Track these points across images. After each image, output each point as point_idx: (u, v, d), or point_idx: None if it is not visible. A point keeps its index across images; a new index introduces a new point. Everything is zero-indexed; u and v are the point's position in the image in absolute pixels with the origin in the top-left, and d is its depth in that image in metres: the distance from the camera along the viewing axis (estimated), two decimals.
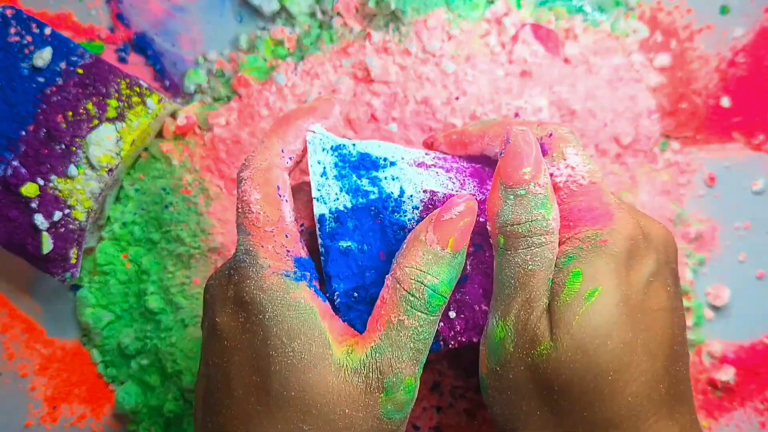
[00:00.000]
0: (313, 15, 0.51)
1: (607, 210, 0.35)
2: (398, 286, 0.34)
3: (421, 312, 0.34)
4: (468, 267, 0.37)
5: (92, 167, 0.47)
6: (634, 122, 0.49)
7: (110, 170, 0.47)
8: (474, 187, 0.38)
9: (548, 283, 0.34)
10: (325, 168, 0.36)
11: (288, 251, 0.35)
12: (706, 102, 0.50)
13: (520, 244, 0.34)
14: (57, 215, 0.46)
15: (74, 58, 0.47)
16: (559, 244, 0.35)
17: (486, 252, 0.37)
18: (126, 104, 0.47)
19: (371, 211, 0.36)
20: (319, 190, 0.36)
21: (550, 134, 0.36)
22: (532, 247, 0.34)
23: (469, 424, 0.48)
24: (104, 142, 0.47)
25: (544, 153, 0.36)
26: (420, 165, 0.38)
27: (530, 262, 0.34)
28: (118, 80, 0.47)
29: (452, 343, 0.38)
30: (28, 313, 0.52)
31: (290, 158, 0.37)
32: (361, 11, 0.50)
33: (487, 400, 0.36)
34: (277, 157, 0.37)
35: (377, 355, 0.33)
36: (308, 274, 0.35)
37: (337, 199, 0.36)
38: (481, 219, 0.36)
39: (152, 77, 0.52)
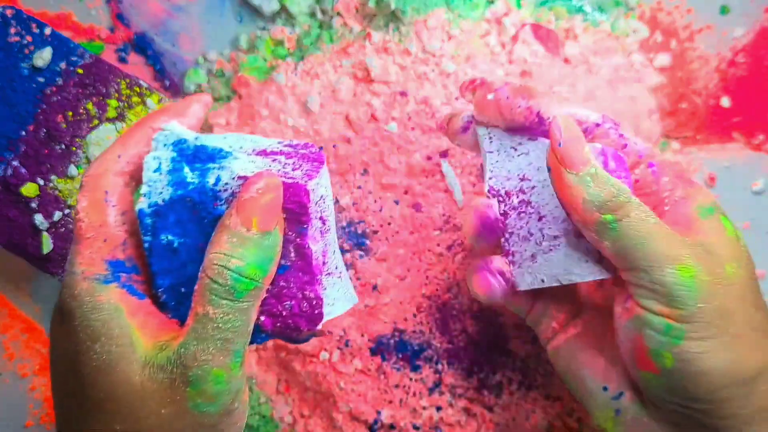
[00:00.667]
0: (313, 15, 0.51)
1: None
2: (203, 275, 0.33)
3: (226, 299, 0.33)
4: (282, 260, 0.36)
5: None
6: (634, 122, 0.49)
7: None
8: (308, 169, 0.36)
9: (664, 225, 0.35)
10: (160, 164, 0.36)
11: (104, 255, 0.35)
12: (706, 102, 0.50)
13: (630, 209, 0.34)
14: (57, 215, 0.46)
15: (74, 58, 0.47)
16: (688, 198, 0.37)
17: (297, 240, 0.36)
18: (126, 104, 0.47)
19: (187, 202, 0.35)
20: (149, 186, 0.35)
21: (598, 124, 0.38)
22: (638, 205, 0.35)
23: (468, 424, 0.48)
24: (104, 142, 0.47)
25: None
26: (259, 153, 0.37)
27: (647, 214, 0.34)
28: (118, 80, 0.47)
29: (277, 329, 0.36)
30: (28, 313, 0.52)
31: (127, 162, 0.37)
32: (361, 11, 0.50)
33: (685, 347, 0.34)
34: (112, 162, 0.37)
35: (182, 349, 0.33)
36: (123, 275, 0.35)
37: (161, 193, 0.35)
38: (304, 202, 0.35)
39: (152, 77, 0.52)
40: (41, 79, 0.47)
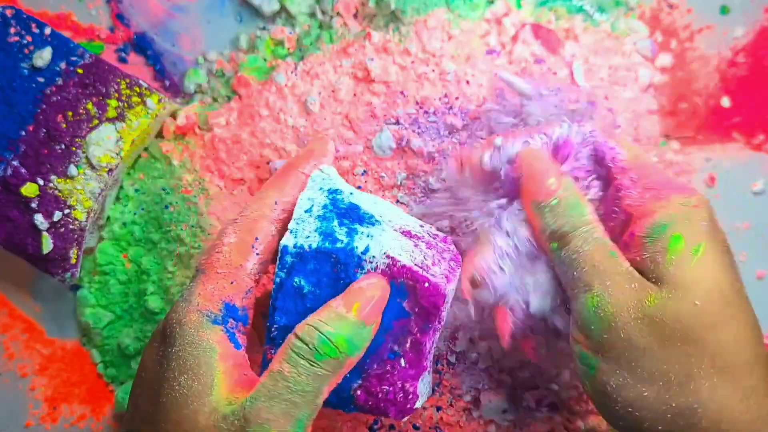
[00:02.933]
0: (313, 15, 0.51)
1: (683, 183, 0.38)
2: (292, 335, 0.34)
3: (305, 359, 0.33)
4: (396, 347, 0.37)
5: (92, 167, 0.47)
6: (634, 122, 0.49)
7: (110, 170, 0.47)
8: (446, 269, 0.38)
9: (609, 252, 0.36)
10: (312, 206, 0.37)
11: (224, 296, 0.36)
12: (706, 102, 0.50)
13: (571, 239, 0.36)
14: (57, 215, 0.46)
15: (74, 58, 0.47)
16: (648, 215, 0.36)
17: (417, 335, 0.37)
18: (126, 104, 0.47)
19: (332, 258, 0.36)
20: (297, 223, 0.36)
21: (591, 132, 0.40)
22: (583, 234, 0.36)
23: (468, 423, 0.48)
24: (104, 142, 0.47)
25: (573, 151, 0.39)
26: (404, 233, 0.38)
27: (588, 243, 0.36)
28: (118, 80, 0.47)
29: (367, 406, 0.38)
30: (28, 313, 0.52)
31: (282, 209, 0.38)
32: (361, 11, 0.50)
33: (598, 379, 0.35)
34: (268, 209, 0.38)
35: (248, 403, 0.33)
36: (232, 320, 0.36)
37: (308, 237, 0.36)
38: (438, 304, 0.36)
39: (152, 77, 0.52)
40: (41, 79, 0.47)
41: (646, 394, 0.34)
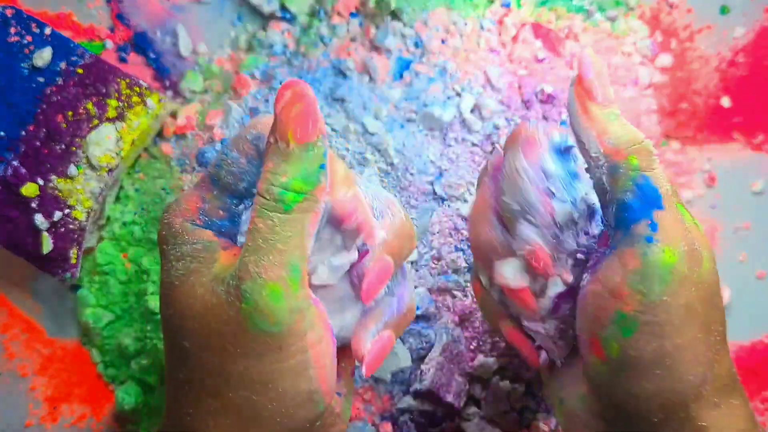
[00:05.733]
0: (313, 15, 0.51)
1: None
2: (256, 194, 0.33)
3: (275, 212, 0.32)
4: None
5: (92, 167, 0.47)
6: (634, 122, 0.49)
7: (110, 170, 0.47)
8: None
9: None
10: None
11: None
12: (706, 102, 0.50)
13: (654, 162, 0.32)
14: (57, 215, 0.46)
15: (74, 58, 0.47)
16: None
17: None
18: (126, 104, 0.47)
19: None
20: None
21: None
22: (658, 163, 0.33)
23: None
24: (104, 142, 0.47)
25: None
26: None
27: (665, 178, 0.33)
28: (118, 80, 0.47)
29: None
30: (28, 313, 0.52)
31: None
32: (362, 11, 0.50)
33: (629, 344, 0.32)
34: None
35: (238, 263, 0.32)
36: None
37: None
38: None
39: (152, 77, 0.52)
40: (41, 79, 0.47)
41: (671, 367, 0.32)
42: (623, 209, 0.32)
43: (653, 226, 0.31)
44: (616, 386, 0.33)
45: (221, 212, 0.36)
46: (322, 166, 0.33)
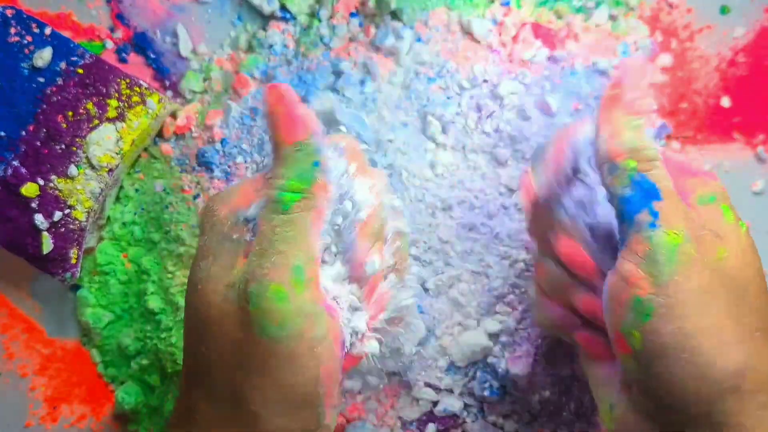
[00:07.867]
0: (313, 15, 0.51)
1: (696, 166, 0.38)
2: (264, 195, 0.34)
3: (275, 214, 0.33)
4: None
5: (92, 167, 0.47)
6: None
7: (110, 170, 0.47)
8: None
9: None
10: None
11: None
12: (706, 102, 0.50)
13: (654, 165, 0.33)
14: (57, 215, 0.46)
15: (74, 58, 0.47)
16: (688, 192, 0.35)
17: None
18: (126, 104, 0.47)
19: None
20: None
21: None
22: (661, 166, 0.34)
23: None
24: (104, 142, 0.47)
25: None
26: None
27: (667, 179, 0.33)
28: (118, 80, 0.47)
29: None
30: (28, 313, 0.52)
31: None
32: (361, 11, 0.50)
33: (651, 327, 0.32)
34: None
35: (246, 266, 0.33)
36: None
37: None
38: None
39: (152, 77, 0.52)
40: (41, 79, 0.47)
41: (700, 348, 0.32)
42: (623, 203, 0.33)
43: (654, 214, 0.32)
44: (649, 379, 0.33)
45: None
46: (316, 164, 0.33)
